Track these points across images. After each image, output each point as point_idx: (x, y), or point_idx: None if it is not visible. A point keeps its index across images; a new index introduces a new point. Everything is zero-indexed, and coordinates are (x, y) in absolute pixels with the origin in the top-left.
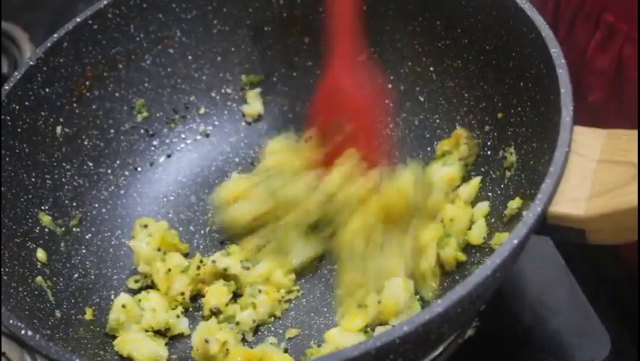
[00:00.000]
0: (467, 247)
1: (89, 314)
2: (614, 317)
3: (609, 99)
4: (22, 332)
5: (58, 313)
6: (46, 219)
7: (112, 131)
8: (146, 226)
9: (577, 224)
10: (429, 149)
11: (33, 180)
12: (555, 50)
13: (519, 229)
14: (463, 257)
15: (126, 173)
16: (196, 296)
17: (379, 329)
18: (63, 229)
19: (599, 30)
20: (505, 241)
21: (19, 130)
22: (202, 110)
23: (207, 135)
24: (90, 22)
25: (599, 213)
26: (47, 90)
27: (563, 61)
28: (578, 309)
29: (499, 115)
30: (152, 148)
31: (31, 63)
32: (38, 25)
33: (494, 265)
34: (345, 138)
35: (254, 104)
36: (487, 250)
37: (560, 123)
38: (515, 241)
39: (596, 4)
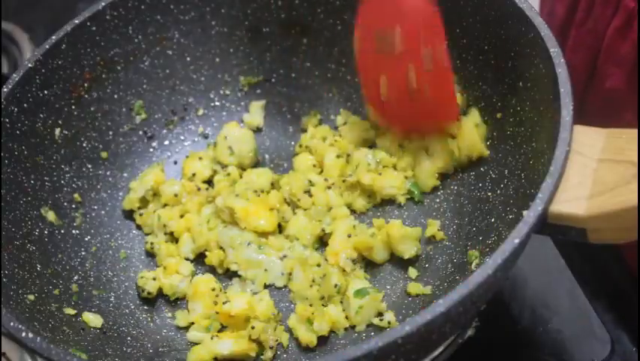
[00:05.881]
0: (467, 247)
1: (88, 316)
2: (614, 317)
3: (626, 88)
4: (24, 334)
5: (58, 316)
6: (51, 215)
7: (110, 132)
8: None
9: (578, 223)
10: None
11: (32, 182)
12: (554, 50)
13: (520, 229)
14: None
15: (125, 175)
16: None
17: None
18: (62, 230)
19: (618, 15)
20: (506, 241)
21: (17, 132)
22: (200, 112)
23: (206, 137)
24: (88, 24)
25: (599, 213)
26: (46, 92)
27: (562, 60)
28: (578, 309)
29: (498, 115)
30: (151, 150)
31: (29, 65)
32: (38, 25)
33: (495, 265)
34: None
35: (255, 115)
36: (487, 249)
37: (560, 122)
38: (516, 241)
39: None
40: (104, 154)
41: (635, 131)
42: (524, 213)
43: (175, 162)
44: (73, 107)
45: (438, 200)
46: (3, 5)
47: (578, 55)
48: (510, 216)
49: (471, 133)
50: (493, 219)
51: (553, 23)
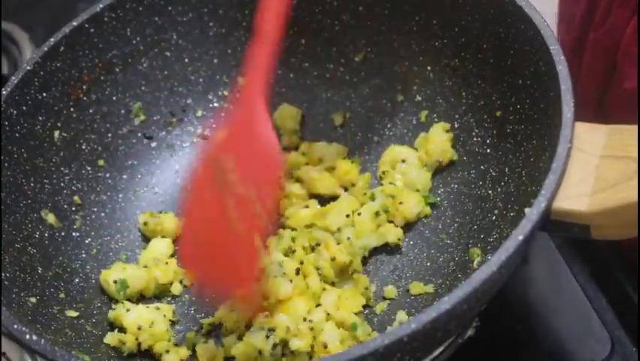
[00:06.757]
0: (468, 245)
1: (90, 317)
2: (614, 317)
3: None
4: (27, 336)
5: (60, 318)
6: (51, 218)
7: (109, 135)
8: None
9: (580, 220)
10: None
11: (32, 184)
12: (554, 47)
13: (523, 226)
14: None
15: (124, 177)
16: None
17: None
18: (63, 233)
19: (636, 15)
20: (509, 238)
21: (17, 135)
22: (199, 113)
23: (205, 138)
24: (87, 25)
25: (602, 209)
26: (45, 95)
27: (562, 57)
28: (578, 309)
29: (498, 113)
30: (150, 151)
31: (28, 68)
32: (38, 25)
33: (500, 261)
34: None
35: None
36: (489, 247)
37: (562, 120)
38: (520, 238)
39: None
40: (103, 156)
41: (636, 127)
42: (526, 210)
43: (176, 172)
44: (72, 109)
45: (438, 199)
46: (3, 5)
47: (597, 57)
48: (511, 214)
49: (441, 137)
50: (494, 217)
51: (571, 29)
